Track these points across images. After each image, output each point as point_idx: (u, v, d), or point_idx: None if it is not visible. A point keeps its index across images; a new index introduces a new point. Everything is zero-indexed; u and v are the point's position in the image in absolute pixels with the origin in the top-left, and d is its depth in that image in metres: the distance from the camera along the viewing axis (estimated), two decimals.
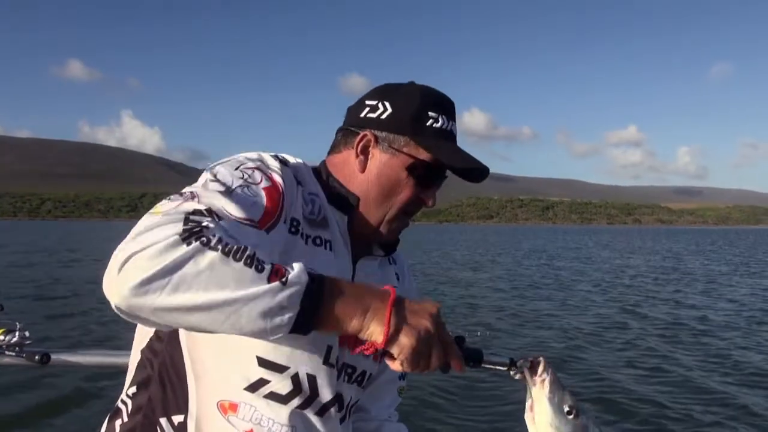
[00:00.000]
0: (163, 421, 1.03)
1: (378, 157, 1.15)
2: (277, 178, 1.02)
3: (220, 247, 0.78)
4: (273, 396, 1.03)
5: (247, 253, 0.79)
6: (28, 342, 1.53)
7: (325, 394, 1.08)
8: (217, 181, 0.95)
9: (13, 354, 1.52)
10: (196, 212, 0.83)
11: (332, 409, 1.10)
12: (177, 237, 0.77)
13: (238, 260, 0.79)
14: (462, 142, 1.22)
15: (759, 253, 35.67)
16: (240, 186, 0.95)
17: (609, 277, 19.27)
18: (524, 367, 0.98)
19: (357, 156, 1.16)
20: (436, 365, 0.91)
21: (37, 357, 1.49)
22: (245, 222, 0.90)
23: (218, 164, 1.02)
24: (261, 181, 0.99)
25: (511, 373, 1.08)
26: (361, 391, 1.21)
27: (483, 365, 1.10)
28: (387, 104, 1.15)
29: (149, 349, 1.08)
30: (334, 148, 1.22)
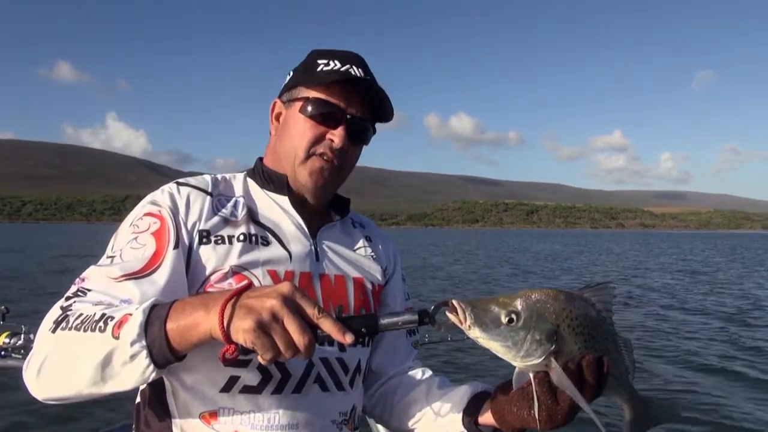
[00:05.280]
0: None
1: (284, 114, 1.22)
2: (164, 214, 1.10)
3: (74, 324, 0.91)
4: (247, 389, 1.08)
5: (95, 319, 0.90)
6: (33, 345, 1.56)
7: (297, 371, 1.11)
8: (111, 251, 1.09)
9: (19, 356, 1.55)
10: (68, 298, 0.99)
11: (309, 381, 1.12)
12: (49, 332, 0.94)
13: (85, 331, 0.89)
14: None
15: None
16: (128, 243, 1.07)
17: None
18: (444, 316, 0.86)
19: (273, 124, 1.24)
20: (301, 341, 0.80)
21: None
22: (123, 278, 1.01)
23: (126, 220, 1.15)
24: (148, 227, 1.09)
25: (432, 326, 0.91)
26: (363, 350, 1.23)
27: (384, 329, 0.90)
28: (291, 73, 1.24)
29: (142, 389, 1.16)
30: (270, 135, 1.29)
